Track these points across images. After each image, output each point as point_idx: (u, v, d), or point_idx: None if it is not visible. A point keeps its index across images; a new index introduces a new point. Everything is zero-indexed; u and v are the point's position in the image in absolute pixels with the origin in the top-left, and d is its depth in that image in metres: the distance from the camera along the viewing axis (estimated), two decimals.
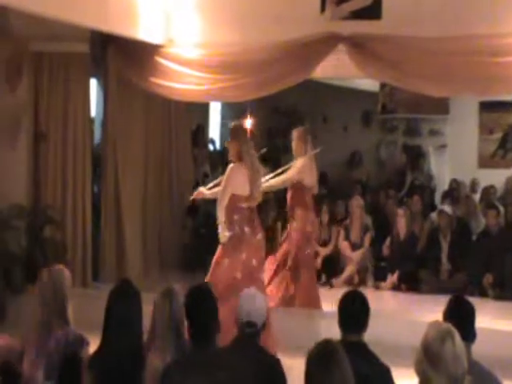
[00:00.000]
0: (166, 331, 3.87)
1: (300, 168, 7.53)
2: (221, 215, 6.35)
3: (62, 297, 4.12)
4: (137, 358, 3.75)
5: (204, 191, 6.90)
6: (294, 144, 7.72)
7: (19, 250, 7.72)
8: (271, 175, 7.48)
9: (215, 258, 6.47)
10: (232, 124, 6.76)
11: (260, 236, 6.56)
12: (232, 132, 6.60)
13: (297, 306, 7.57)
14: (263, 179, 7.00)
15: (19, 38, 7.90)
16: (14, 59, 7.96)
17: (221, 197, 6.37)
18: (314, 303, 7.66)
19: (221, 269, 6.40)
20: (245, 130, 6.66)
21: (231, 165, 6.46)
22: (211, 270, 6.48)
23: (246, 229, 6.44)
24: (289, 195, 7.70)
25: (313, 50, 7.58)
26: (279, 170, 7.59)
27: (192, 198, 7.07)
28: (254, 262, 6.47)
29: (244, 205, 6.41)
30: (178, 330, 3.87)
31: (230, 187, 6.35)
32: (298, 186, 7.57)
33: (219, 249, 6.47)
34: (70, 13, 6.72)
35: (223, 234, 6.35)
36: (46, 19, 6.85)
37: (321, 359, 3.04)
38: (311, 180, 7.67)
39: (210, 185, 6.96)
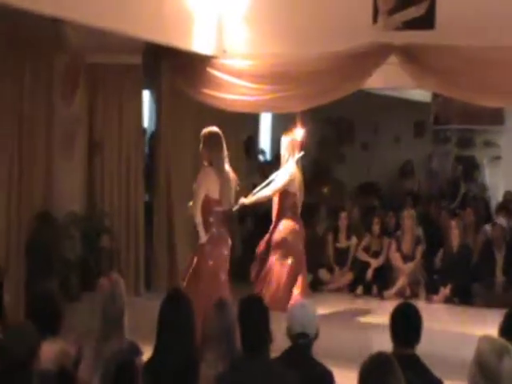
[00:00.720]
0: (219, 341, 3.89)
1: (290, 175, 7.59)
2: (197, 216, 6.56)
3: (119, 305, 4.17)
4: (190, 366, 3.77)
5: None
6: (283, 150, 7.78)
7: (74, 258, 7.86)
8: (260, 187, 7.57)
9: (197, 260, 6.64)
10: (204, 131, 6.87)
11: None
12: (204, 139, 6.74)
13: None
14: (255, 190, 7.41)
15: (76, 51, 8.06)
16: (71, 72, 8.11)
17: (195, 198, 6.58)
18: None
19: (205, 270, 6.57)
20: (215, 136, 6.75)
21: (202, 168, 6.68)
22: (192, 271, 6.65)
23: (222, 229, 6.67)
24: (274, 202, 7.76)
25: (365, 61, 7.53)
26: (267, 181, 7.63)
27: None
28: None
29: (218, 208, 6.60)
30: (230, 341, 3.89)
31: (203, 188, 6.55)
32: (282, 192, 7.62)
33: (199, 251, 6.63)
34: (125, 25, 6.83)
35: (202, 235, 6.56)
36: (102, 31, 6.97)
37: (375, 371, 3.03)
38: (296, 185, 7.69)
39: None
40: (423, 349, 3.95)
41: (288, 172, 7.62)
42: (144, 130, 9.49)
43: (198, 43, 7.99)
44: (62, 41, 7.82)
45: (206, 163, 6.69)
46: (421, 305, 7.68)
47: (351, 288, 9.23)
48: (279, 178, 7.59)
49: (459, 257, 8.99)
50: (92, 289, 4.35)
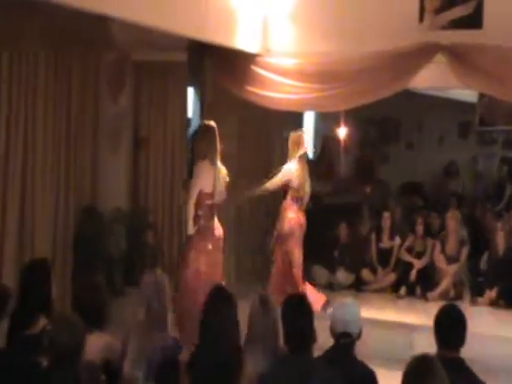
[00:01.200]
0: (262, 339, 3.90)
1: (290, 171, 7.70)
2: (190, 210, 6.64)
3: (163, 300, 4.21)
4: (234, 363, 3.78)
5: None
6: (289, 147, 7.88)
7: (118, 253, 7.95)
8: (265, 181, 7.67)
9: (184, 250, 6.79)
10: (200, 123, 6.96)
11: (221, 232, 6.85)
12: (199, 132, 6.84)
13: None
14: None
15: (122, 48, 8.14)
16: (118, 69, 8.20)
17: (192, 192, 6.65)
18: None
19: (188, 260, 6.66)
20: (212, 130, 6.79)
21: (198, 163, 6.70)
22: (180, 263, 6.81)
23: (210, 222, 6.74)
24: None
25: (411, 60, 7.46)
26: (271, 175, 7.71)
27: None
28: (218, 254, 6.79)
29: (208, 202, 6.68)
30: (273, 339, 3.89)
31: (199, 183, 6.63)
32: (285, 187, 7.77)
33: (187, 242, 6.76)
34: (170, 22, 6.85)
35: (190, 227, 6.64)
36: (147, 29, 7.02)
37: (419, 373, 3.01)
38: (298, 181, 7.77)
39: None
40: (468, 351, 3.90)
41: (290, 168, 7.74)
42: (188, 121, 9.54)
43: (243, 41, 8.00)
44: (108, 39, 7.89)
45: (199, 156, 6.77)
46: (465, 307, 7.60)
47: (394, 289, 9.14)
48: (280, 174, 7.74)
49: (505, 259, 8.85)
50: (135, 284, 4.38)
